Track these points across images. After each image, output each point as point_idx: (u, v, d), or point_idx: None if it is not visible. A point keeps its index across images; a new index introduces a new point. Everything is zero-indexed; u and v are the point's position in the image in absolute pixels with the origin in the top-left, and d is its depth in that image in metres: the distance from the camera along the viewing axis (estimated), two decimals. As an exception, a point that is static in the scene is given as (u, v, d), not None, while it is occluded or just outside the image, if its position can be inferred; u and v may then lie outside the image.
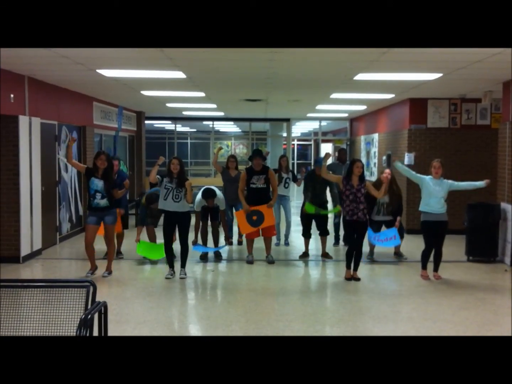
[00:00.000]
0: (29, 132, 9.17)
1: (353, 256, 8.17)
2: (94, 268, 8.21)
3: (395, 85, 10.24)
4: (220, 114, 18.88)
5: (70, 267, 9.31)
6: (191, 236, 8.67)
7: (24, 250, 9.08)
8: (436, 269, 8.22)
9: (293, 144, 27.85)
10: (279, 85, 10.54)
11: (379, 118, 15.61)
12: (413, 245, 10.21)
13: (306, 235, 9.61)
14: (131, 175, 16.27)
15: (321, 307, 7.04)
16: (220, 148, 11.66)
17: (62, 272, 8.71)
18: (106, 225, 8.14)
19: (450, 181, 8.12)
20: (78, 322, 3.70)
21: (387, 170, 9.38)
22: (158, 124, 23.60)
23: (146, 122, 18.94)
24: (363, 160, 17.19)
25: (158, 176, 8.09)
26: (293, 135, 24.10)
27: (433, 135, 12.26)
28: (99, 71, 8.68)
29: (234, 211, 10.28)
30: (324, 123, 21.46)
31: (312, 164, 11.54)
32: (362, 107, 15.27)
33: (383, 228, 9.35)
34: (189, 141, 28.11)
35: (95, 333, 3.98)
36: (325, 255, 9.58)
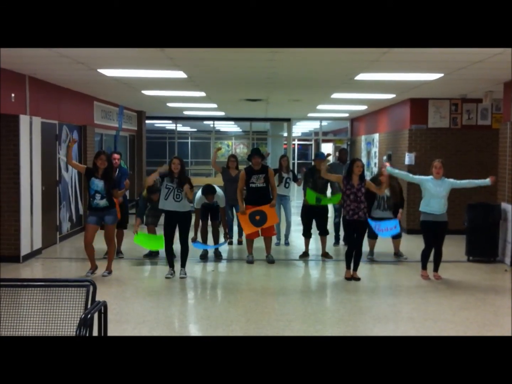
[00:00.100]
0: (29, 132, 9.17)
1: (353, 256, 8.17)
2: (94, 268, 8.21)
3: (396, 85, 10.24)
4: (221, 114, 18.88)
5: (70, 266, 9.31)
6: (191, 235, 8.66)
7: (24, 249, 9.08)
8: (436, 269, 8.22)
9: (294, 144, 27.85)
10: (280, 85, 10.54)
11: (379, 118, 15.61)
12: (413, 245, 10.21)
13: (307, 234, 9.61)
14: (131, 174, 16.26)
15: (321, 307, 7.04)
16: (219, 149, 11.66)
17: (62, 272, 8.71)
18: (106, 224, 8.15)
19: (451, 180, 8.12)
20: (78, 321, 3.70)
21: (387, 164, 9.41)
22: (158, 123, 23.60)
23: (147, 121, 18.93)
24: (364, 160, 17.18)
25: (158, 177, 8.09)
26: (293, 135, 24.11)
27: (433, 135, 12.25)
28: (100, 70, 8.68)
29: (234, 211, 10.29)
30: (324, 123, 21.45)
31: (313, 158, 11.48)
32: (363, 107, 15.26)
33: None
34: (189, 140, 28.12)
35: (95, 332, 3.98)
36: (325, 255, 9.58)
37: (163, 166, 8.08)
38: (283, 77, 9.46)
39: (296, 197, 17.93)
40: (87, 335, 3.70)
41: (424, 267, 8.24)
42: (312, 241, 9.83)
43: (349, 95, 12.14)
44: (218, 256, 9.56)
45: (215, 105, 15.41)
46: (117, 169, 9.18)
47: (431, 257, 8.22)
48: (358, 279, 8.12)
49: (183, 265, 8.27)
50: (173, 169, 8.02)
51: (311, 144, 30.92)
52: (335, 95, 12.17)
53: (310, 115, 18.65)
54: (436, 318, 6.46)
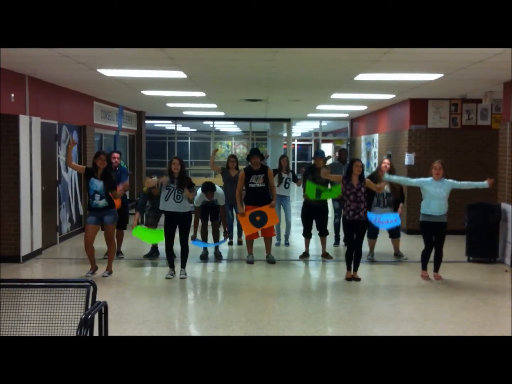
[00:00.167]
0: (29, 132, 9.17)
1: (353, 257, 8.16)
2: (94, 268, 8.21)
3: (396, 85, 10.24)
4: (221, 114, 18.88)
5: (70, 267, 9.30)
6: (190, 234, 8.65)
7: (24, 249, 9.08)
8: (436, 269, 8.22)
9: (294, 144, 27.85)
10: (280, 85, 10.53)
11: (379, 118, 15.61)
12: (413, 245, 10.21)
13: (307, 235, 9.61)
14: (131, 175, 16.27)
15: (322, 307, 7.03)
16: (216, 150, 11.68)
17: (62, 272, 8.70)
18: (106, 224, 8.15)
19: (451, 181, 8.11)
20: (78, 322, 3.70)
21: (386, 160, 9.43)
22: (158, 124, 23.60)
23: (147, 121, 18.93)
24: (364, 160, 17.18)
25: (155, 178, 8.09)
26: (293, 135, 24.10)
27: (433, 135, 12.25)
28: (99, 70, 8.68)
29: (234, 212, 10.31)
30: (324, 123, 21.45)
31: (312, 157, 11.46)
32: (363, 107, 15.27)
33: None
34: (189, 141, 28.10)
35: (96, 333, 3.98)
36: (325, 255, 9.58)
37: (163, 178, 8.03)
38: (283, 77, 9.46)
39: (296, 197, 17.93)
40: (88, 335, 3.70)
41: (424, 267, 8.24)
42: (312, 241, 9.83)
43: (349, 95, 12.15)
44: (218, 257, 9.55)
45: (215, 105, 15.41)
46: (117, 168, 9.21)
47: (431, 258, 8.21)
48: (358, 279, 8.12)
49: (183, 265, 8.27)
50: (173, 170, 8.01)
51: (310, 144, 30.90)
52: (335, 95, 12.17)
53: (310, 115, 18.66)
54: (437, 318, 6.45)
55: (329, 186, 9.49)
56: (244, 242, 9.93)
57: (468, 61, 7.63)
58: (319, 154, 9.81)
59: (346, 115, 18.58)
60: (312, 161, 10.03)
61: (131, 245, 10.21)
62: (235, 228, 10.90)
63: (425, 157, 12.07)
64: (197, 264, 9.15)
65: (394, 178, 8.56)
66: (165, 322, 6.29)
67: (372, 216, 8.82)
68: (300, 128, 27.76)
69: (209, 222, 9.62)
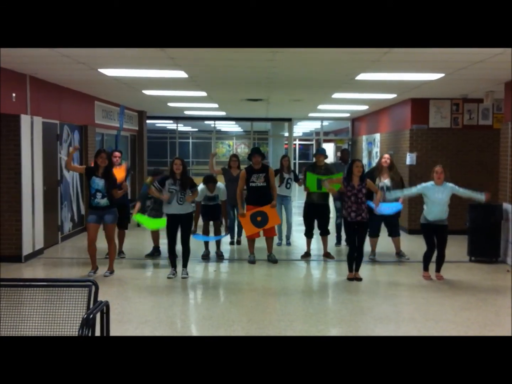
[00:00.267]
0: (30, 131, 9.17)
1: (354, 258, 8.15)
2: (95, 269, 8.21)
3: (397, 85, 10.24)
4: (222, 113, 18.88)
5: (72, 266, 9.32)
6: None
7: (26, 249, 9.09)
8: (438, 269, 8.21)
9: (295, 144, 27.84)
10: (281, 84, 10.54)
11: (380, 118, 15.61)
12: (415, 245, 10.21)
13: (309, 234, 9.61)
14: (133, 174, 16.27)
15: (323, 307, 7.03)
16: (214, 154, 11.70)
17: (64, 272, 8.72)
18: (106, 224, 8.15)
19: (452, 185, 8.03)
20: (80, 321, 3.70)
21: (386, 155, 9.43)
22: (159, 123, 23.61)
23: (148, 121, 18.93)
24: (365, 160, 17.19)
25: (157, 185, 8.09)
26: (294, 135, 24.10)
27: (434, 135, 12.25)
28: (100, 70, 8.69)
29: (236, 212, 10.34)
30: (325, 123, 21.45)
31: (313, 154, 11.43)
32: (364, 107, 15.27)
33: (382, 225, 9.35)
34: (190, 140, 28.14)
35: (97, 332, 3.98)
36: (326, 255, 9.57)
37: (164, 196, 8.02)
38: (283, 77, 9.46)
39: (298, 197, 17.92)
40: (90, 335, 3.70)
41: (425, 268, 8.22)
42: (313, 241, 9.83)
43: (350, 95, 12.15)
44: (219, 256, 9.56)
45: (216, 105, 15.42)
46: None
47: (433, 258, 8.20)
48: (360, 279, 8.12)
49: (184, 265, 8.27)
50: (175, 170, 8.01)
51: (312, 144, 30.91)
52: (336, 95, 12.17)
53: (311, 115, 18.65)
54: (438, 318, 6.45)
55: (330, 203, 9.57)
56: (243, 242, 9.92)
57: (469, 61, 7.63)
58: (320, 151, 9.83)
59: (347, 114, 18.58)
60: (313, 159, 10.03)
61: (132, 245, 10.22)
62: (235, 228, 10.89)
63: (427, 157, 12.07)
64: (198, 264, 9.16)
65: (398, 194, 8.51)
66: (166, 322, 6.29)
67: (372, 205, 8.84)
68: (301, 128, 27.77)
69: (210, 222, 9.63)
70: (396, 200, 9.12)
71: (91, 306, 3.98)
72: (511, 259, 9.11)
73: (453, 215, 8.59)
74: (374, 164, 16.09)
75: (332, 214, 10.24)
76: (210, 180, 9.24)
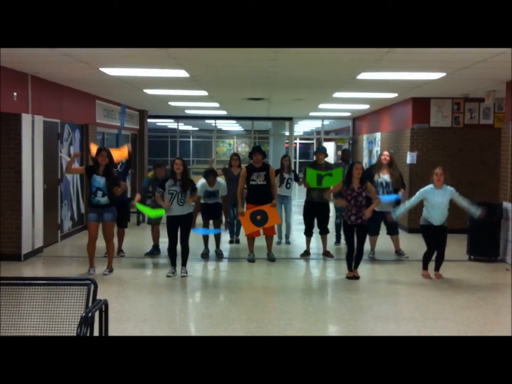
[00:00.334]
0: (31, 130, 9.18)
1: (354, 257, 8.15)
2: (93, 267, 8.21)
3: (398, 84, 10.23)
4: (223, 112, 18.88)
5: (71, 265, 9.32)
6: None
7: (26, 248, 9.10)
8: (437, 268, 8.21)
9: (295, 143, 27.84)
10: (282, 84, 10.53)
11: (381, 117, 15.60)
12: (414, 243, 10.21)
13: (308, 233, 9.61)
14: (133, 173, 16.27)
15: (322, 306, 7.04)
16: (213, 161, 11.78)
17: (64, 270, 8.72)
18: (105, 222, 8.14)
19: (452, 189, 7.99)
20: (79, 320, 3.70)
21: (386, 152, 9.44)
22: (160, 122, 23.61)
23: (149, 120, 18.92)
24: (366, 159, 17.18)
25: (160, 191, 8.10)
26: (295, 134, 24.08)
27: (435, 134, 12.24)
28: (102, 69, 8.69)
29: (235, 211, 10.35)
30: (326, 122, 21.43)
31: (314, 152, 11.42)
32: (365, 106, 15.26)
33: (382, 223, 9.36)
34: (191, 139, 28.12)
35: (96, 331, 3.98)
36: (326, 254, 9.58)
37: (165, 202, 8.03)
38: (285, 76, 9.45)
39: (298, 196, 17.93)
40: (88, 333, 3.71)
41: (425, 267, 8.22)
42: (313, 240, 9.83)
43: (351, 94, 12.14)
44: (219, 255, 9.56)
45: (217, 104, 15.41)
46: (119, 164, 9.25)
47: (432, 258, 8.20)
48: (357, 277, 8.11)
49: (184, 264, 8.27)
50: (175, 170, 8.01)
51: (312, 143, 30.90)
52: (337, 94, 12.16)
53: (312, 114, 18.64)
54: (437, 317, 6.45)
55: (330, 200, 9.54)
56: (242, 240, 9.93)
57: (470, 61, 7.62)
58: (320, 149, 9.84)
59: (348, 114, 18.56)
60: (314, 157, 10.02)
61: (132, 244, 10.23)
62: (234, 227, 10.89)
63: (427, 156, 12.07)
64: (198, 263, 9.16)
65: (402, 210, 8.33)
66: (166, 320, 6.29)
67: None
68: (302, 127, 27.75)
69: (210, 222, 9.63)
70: (396, 192, 9.13)
71: (90, 304, 3.99)
72: (511, 258, 9.10)
73: (453, 214, 8.58)
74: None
75: (332, 213, 10.23)
76: (210, 173, 9.26)
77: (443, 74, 8.87)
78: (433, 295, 7.40)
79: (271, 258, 9.21)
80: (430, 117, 12.25)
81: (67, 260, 9.76)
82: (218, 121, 22.58)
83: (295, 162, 24.33)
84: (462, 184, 11.65)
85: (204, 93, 12.10)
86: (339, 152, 12.20)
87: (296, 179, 10.59)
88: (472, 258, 9.53)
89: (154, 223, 9.45)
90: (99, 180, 8.02)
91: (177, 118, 21.17)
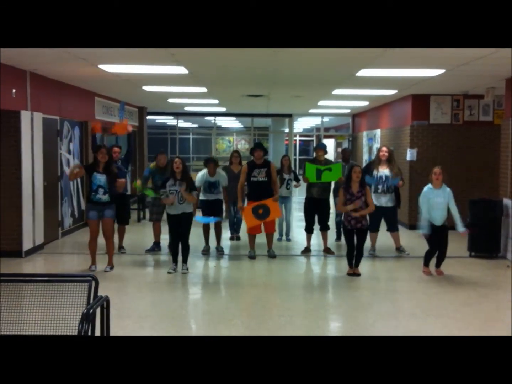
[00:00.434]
0: (31, 127, 9.17)
1: (354, 256, 8.15)
2: (95, 264, 8.22)
3: (398, 81, 10.22)
4: (222, 109, 18.86)
5: (72, 261, 9.33)
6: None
7: (26, 244, 9.10)
8: (438, 265, 8.21)
9: (295, 140, 27.83)
10: (281, 81, 10.52)
11: (381, 114, 15.60)
12: (415, 240, 10.20)
13: (309, 230, 9.61)
14: (133, 170, 16.26)
15: (323, 303, 7.05)
16: None
17: (64, 267, 8.73)
18: (105, 218, 8.13)
19: (450, 192, 7.95)
20: (80, 316, 3.70)
21: (384, 148, 9.44)
22: (160, 119, 23.59)
23: (148, 117, 18.93)
24: (365, 156, 17.18)
25: (164, 191, 8.08)
26: (295, 131, 24.07)
27: (435, 131, 12.24)
28: (101, 66, 8.68)
29: (236, 208, 10.37)
30: (326, 119, 21.43)
31: (314, 148, 11.43)
32: (365, 103, 15.25)
33: (382, 220, 9.37)
34: (191, 136, 28.12)
35: (97, 327, 3.99)
36: (326, 251, 9.58)
37: (170, 198, 8.01)
38: (284, 73, 9.45)
39: (298, 193, 17.93)
40: (89, 330, 3.71)
41: (426, 264, 8.22)
42: (313, 236, 9.83)
43: (351, 91, 12.13)
44: (220, 252, 9.56)
45: (216, 101, 15.40)
46: (119, 161, 9.26)
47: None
48: (358, 275, 8.12)
49: (185, 260, 8.27)
50: (175, 169, 8.00)
51: (312, 140, 30.90)
52: (337, 91, 12.15)
53: (311, 111, 18.63)
54: (438, 313, 6.46)
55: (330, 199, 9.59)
56: (243, 237, 9.93)
57: (470, 57, 7.61)
58: (320, 146, 9.83)
59: (347, 111, 18.56)
60: (314, 154, 10.01)
61: (133, 241, 10.23)
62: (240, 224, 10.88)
63: (427, 153, 12.06)
64: (199, 259, 9.16)
65: (424, 222, 7.93)
66: (166, 317, 6.29)
67: (371, 181, 8.85)
68: (301, 124, 27.75)
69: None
70: (396, 187, 9.16)
71: (91, 301, 3.99)
72: (511, 255, 9.10)
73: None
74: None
75: (332, 210, 10.24)
76: (210, 160, 9.28)
77: (443, 71, 8.86)
78: (434, 291, 7.40)
79: (271, 255, 9.22)
80: (430, 114, 12.24)
81: (68, 257, 9.76)
82: (217, 118, 22.58)
83: (294, 159, 24.32)
84: (461, 181, 11.70)
85: (203, 90, 12.08)
86: (339, 149, 12.21)
87: (296, 179, 10.59)
88: (473, 254, 9.53)
89: (155, 220, 9.45)
90: (100, 178, 8.01)
91: (177, 115, 21.16)
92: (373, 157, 16.30)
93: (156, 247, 9.61)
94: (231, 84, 11.29)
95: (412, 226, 11.60)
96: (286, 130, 22.49)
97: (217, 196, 9.41)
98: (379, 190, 9.17)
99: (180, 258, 8.31)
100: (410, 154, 12.21)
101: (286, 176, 10.39)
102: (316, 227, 9.62)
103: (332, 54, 7.48)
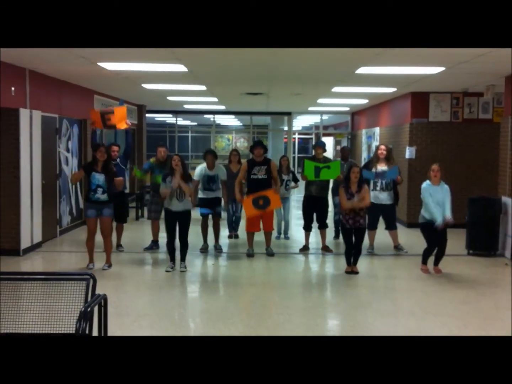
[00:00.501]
0: (30, 125, 9.15)
1: (352, 254, 8.15)
2: (93, 262, 8.21)
3: (397, 79, 10.21)
4: (221, 107, 18.85)
5: (70, 260, 9.32)
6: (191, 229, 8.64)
7: (24, 243, 9.08)
8: (436, 263, 8.20)
9: (294, 138, 27.81)
10: (281, 79, 10.51)
11: (380, 112, 15.58)
12: (413, 238, 10.20)
13: (307, 228, 9.60)
14: (131, 168, 16.23)
15: (322, 301, 7.05)
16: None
17: (62, 265, 8.72)
18: (104, 217, 8.12)
19: (448, 189, 7.95)
20: (78, 315, 3.70)
21: (382, 146, 9.44)
22: (159, 117, 23.58)
23: (147, 115, 18.91)
24: (364, 154, 17.17)
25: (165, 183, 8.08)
26: (294, 128, 24.06)
27: (434, 129, 12.23)
28: (100, 64, 8.66)
29: (234, 207, 10.39)
30: (325, 116, 21.42)
31: (312, 145, 11.44)
32: (364, 101, 15.24)
33: (380, 218, 9.36)
34: (190, 134, 28.08)
35: (95, 326, 3.98)
36: (325, 249, 9.57)
37: (166, 190, 8.02)
38: (284, 71, 9.43)
39: (297, 191, 17.92)
40: (87, 328, 3.70)
41: (424, 262, 8.22)
42: (312, 234, 9.82)
43: (350, 89, 12.12)
44: (218, 250, 9.56)
45: (215, 99, 15.39)
46: (118, 159, 9.26)
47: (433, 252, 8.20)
48: (356, 272, 8.11)
49: (183, 259, 8.27)
50: (174, 167, 7.99)
51: (311, 138, 30.87)
52: (336, 89, 12.14)
53: (310, 109, 18.62)
54: (437, 312, 6.46)
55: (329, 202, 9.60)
56: (241, 236, 9.92)
57: (469, 55, 7.60)
58: (319, 144, 9.81)
59: (347, 108, 18.55)
60: (313, 152, 10.01)
61: (131, 239, 10.22)
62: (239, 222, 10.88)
63: (426, 151, 12.06)
64: (197, 257, 9.16)
65: (434, 213, 7.84)
66: (165, 315, 6.28)
67: (371, 175, 8.83)
68: (301, 122, 27.73)
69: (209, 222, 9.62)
70: (395, 183, 9.17)
71: (89, 299, 3.99)
72: (510, 253, 9.10)
73: (453, 209, 8.57)
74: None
75: (331, 209, 10.24)
76: (209, 152, 9.32)
77: (442, 69, 8.85)
78: (433, 290, 7.40)
79: (270, 253, 9.21)
80: (429, 112, 12.23)
81: (66, 255, 9.76)
82: (216, 116, 22.56)
83: (293, 157, 24.30)
84: (460, 179, 11.70)
85: (202, 87, 12.07)
86: (338, 147, 12.21)
87: (294, 179, 10.60)
88: (471, 252, 9.53)
89: (154, 218, 9.44)
90: (99, 177, 8.00)
91: (176, 113, 21.14)
92: (371, 155, 16.32)
93: (154, 245, 9.60)
94: (230, 82, 11.28)
95: (411, 224, 11.59)
96: (285, 128, 22.47)
97: (216, 194, 9.40)
98: (378, 187, 9.16)
99: (178, 256, 8.30)
100: (409, 152, 12.20)
101: (284, 177, 10.38)
102: (315, 225, 9.61)
103: (332, 52, 7.47)
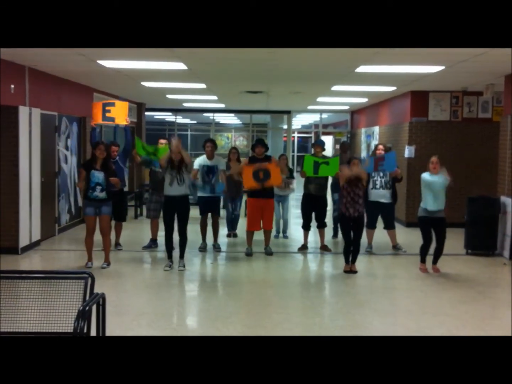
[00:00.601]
0: (29, 123, 9.14)
1: (351, 252, 8.15)
2: (91, 261, 8.20)
3: (397, 77, 10.21)
4: (221, 106, 18.84)
5: (69, 258, 9.31)
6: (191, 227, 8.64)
7: (23, 241, 9.07)
8: (435, 262, 8.20)
9: (294, 137, 27.79)
10: (280, 77, 10.50)
11: (380, 110, 15.58)
12: (412, 238, 10.19)
13: (306, 227, 9.60)
14: (131, 166, 16.23)
15: (320, 300, 7.05)
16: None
17: (61, 264, 8.71)
18: (102, 215, 8.11)
19: (446, 178, 7.95)
20: (76, 313, 3.70)
21: (380, 146, 9.45)
22: (158, 115, 23.56)
23: (147, 113, 18.89)
24: (364, 153, 17.16)
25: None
26: (293, 127, 24.04)
27: (434, 128, 12.23)
28: (100, 62, 8.65)
29: (233, 206, 10.40)
30: (324, 115, 21.40)
31: (311, 144, 11.46)
32: (363, 100, 15.23)
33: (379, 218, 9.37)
34: (189, 132, 28.07)
35: (93, 324, 3.98)
36: (323, 248, 9.58)
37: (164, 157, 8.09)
38: (284, 70, 9.43)
39: (296, 190, 17.91)
40: (85, 327, 3.70)
41: (423, 260, 8.23)
42: (310, 233, 9.82)
43: (350, 88, 12.11)
44: (216, 249, 9.55)
45: (215, 97, 15.38)
46: (117, 157, 9.26)
47: (431, 251, 8.20)
48: (355, 272, 8.12)
49: (181, 256, 8.25)
50: (173, 156, 8.04)
51: (311, 137, 30.86)
52: (336, 88, 12.13)
53: (310, 107, 18.62)
54: (435, 311, 6.46)
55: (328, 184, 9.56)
56: (240, 235, 9.92)
57: (469, 54, 7.60)
58: (318, 142, 9.82)
59: (346, 107, 18.54)
60: (312, 151, 10.01)
61: (129, 237, 10.22)
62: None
63: (426, 150, 12.04)
64: (195, 256, 9.15)
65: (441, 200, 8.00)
66: (164, 314, 6.28)
67: (369, 169, 8.85)
68: (300, 120, 27.71)
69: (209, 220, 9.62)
70: (394, 181, 9.18)
71: (87, 298, 3.99)
72: (508, 252, 9.10)
73: (451, 208, 8.60)
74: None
75: (330, 206, 10.24)
76: (208, 141, 9.41)
77: (442, 68, 8.85)
78: (431, 289, 7.41)
79: (268, 252, 9.22)
80: (429, 111, 12.23)
81: (65, 254, 9.74)
82: (216, 115, 22.54)
83: (293, 156, 24.29)
84: (460, 178, 11.67)
85: (202, 86, 12.06)
86: (337, 146, 12.21)
87: (291, 176, 10.63)
88: (470, 252, 9.53)
89: (153, 216, 9.43)
90: (98, 175, 8.00)
91: (175, 111, 21.13)
92: (370, 154, 16.32)
93: (153, 244, 9.59)
94: (230, 80, 11.27)
95: (410, 223, 11.60)
96: (285, 126, 22.46)
97: (214, 193, 9.37)
98: (377, 185, 9.16)
99: (176, 254, 8.29)
100: (408, 151, 12.20)
101: (283, 176, 10.37)
102: (313, 224, 9.61)
103: (332, 51, 7.46)
